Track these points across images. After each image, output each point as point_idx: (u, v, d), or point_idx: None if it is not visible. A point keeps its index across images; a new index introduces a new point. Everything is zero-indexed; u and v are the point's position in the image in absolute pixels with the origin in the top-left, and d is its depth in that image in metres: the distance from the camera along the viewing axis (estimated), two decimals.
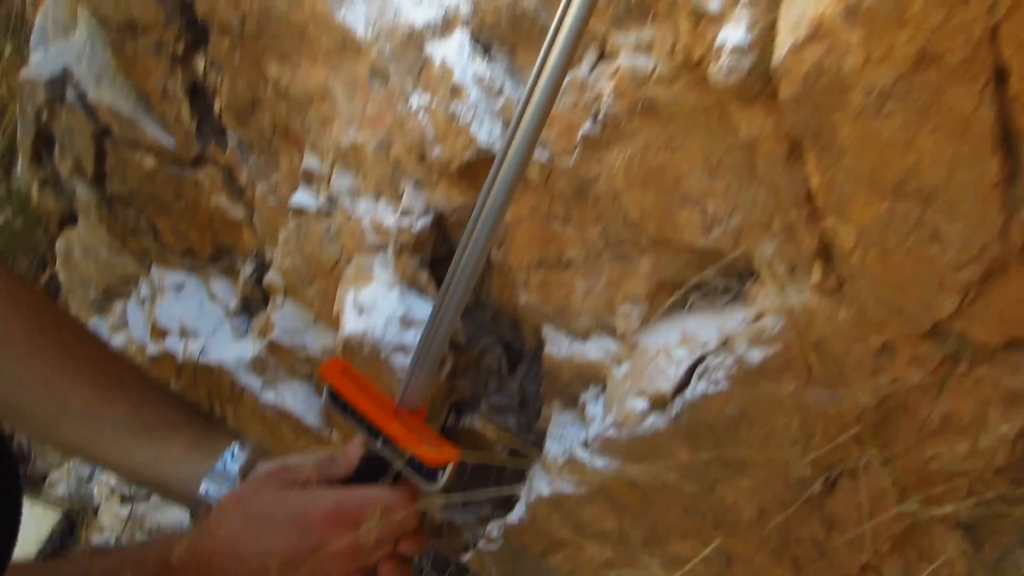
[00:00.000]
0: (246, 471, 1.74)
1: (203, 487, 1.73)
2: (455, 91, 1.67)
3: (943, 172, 1.23)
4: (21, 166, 2.80)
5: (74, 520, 3.02)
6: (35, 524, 2.95)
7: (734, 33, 1.35)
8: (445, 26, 1.69)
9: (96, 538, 2.94)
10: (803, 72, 1.24)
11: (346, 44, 1.81)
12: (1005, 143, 1.20)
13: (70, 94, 2.48)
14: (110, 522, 2.92)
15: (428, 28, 1.70)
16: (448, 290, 1.50)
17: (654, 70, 1.51)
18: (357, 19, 1.78)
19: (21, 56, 3.97)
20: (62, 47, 2.59)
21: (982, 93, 1.17)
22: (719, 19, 1.38)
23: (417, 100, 1.73)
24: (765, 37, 1.33)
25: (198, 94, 2.26)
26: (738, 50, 1.34)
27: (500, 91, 1.66)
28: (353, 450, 1.61)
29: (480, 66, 1.67)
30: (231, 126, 2.19)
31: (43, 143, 2.69)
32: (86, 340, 1.80)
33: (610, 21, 1.54)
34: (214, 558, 1.59)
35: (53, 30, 2.81)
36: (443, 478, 1.49)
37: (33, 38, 2.84)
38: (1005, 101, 1.17)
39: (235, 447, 1.77)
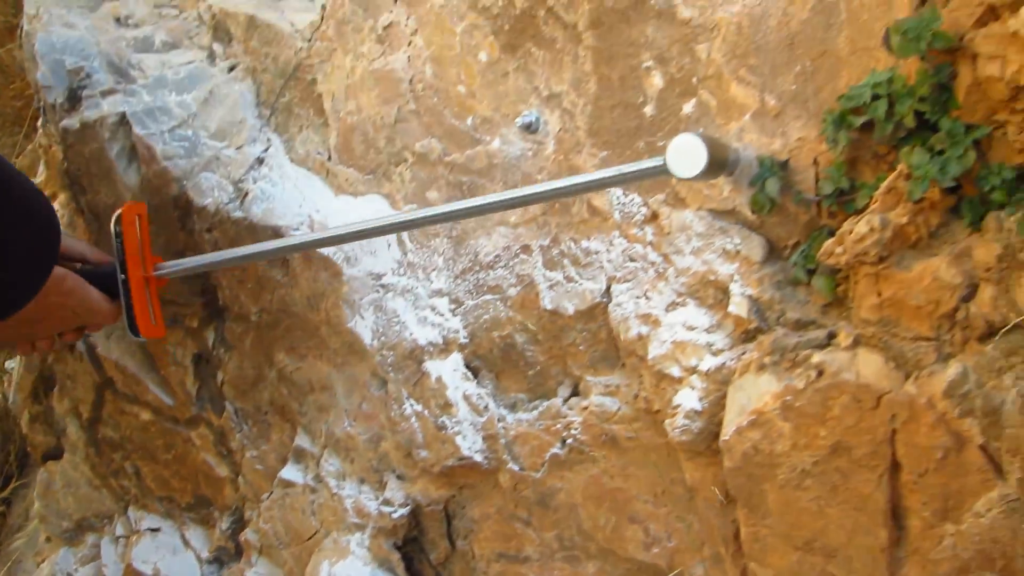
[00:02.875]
0: None
1: None
2: (446, 406, 1.96)
3: (845, 536, 1.53)
4: (15, 398, 3.02)
5: None
6: None
7: (689, 398, 1.67)
8: (444, 347, 2.00)
9: None
10: (743, 450, 1.55)
11: (352, 348, 2.11)
12: (894, 518, 1.50)
13: (79, 344, 2.73)
14: None
15: (429, 347, 2.00)
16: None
17: (618, 410, 1.82)
18: (366, 328, 2.08)
19: None
20: None
21: (880, 479, 1.49)
22: (678, 382, 1.70)
23: (411, 407, 2.02)
24: (715, 406, 1.65)
25: (202, 362, 2.52)
26: (691, 414, 1.65)
27: (485, 409, 1.95)
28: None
29: (470, 386, 1.97)
30: (230, 397, 2.45)
31: (43, 382, 2.92)
32: None
33: (586, 364, 1.86)
34: None
35: None
36: (141, 339, 1.88)
37: None
38: (897, 486, 1.49)
39: None
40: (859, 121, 1.45)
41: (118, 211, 1.84)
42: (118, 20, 2.46)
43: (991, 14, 1.26)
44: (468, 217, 1.81)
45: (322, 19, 2.09)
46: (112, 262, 1.86)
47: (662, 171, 1.47)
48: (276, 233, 2.12)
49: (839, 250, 1.47)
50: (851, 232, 1.45)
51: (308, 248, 1.88)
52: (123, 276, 1.82)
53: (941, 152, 1.36)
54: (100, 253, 1.95)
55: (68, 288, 1.73)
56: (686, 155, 1.44)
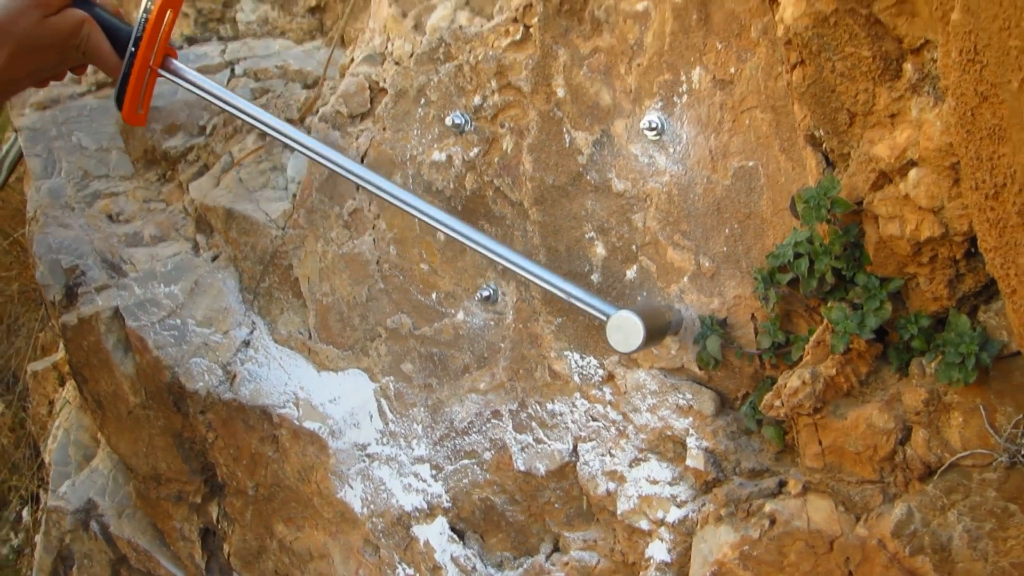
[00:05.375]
0: None
1: None
2: (436, 568, 1.99)
3: None
4: None
5: None
6: None
7: (659, 551, 1.69)
8: (429, 512, 2.03)
9: None
10: None
11: (344, 517, 2.14)
12: None
13: (93, 524, 2.78)
14: None
15: (415, 512, 2.03)
16: None
17: (597, 564, 1.84)
18: (355, 498, 2.11)
19: (19, 421, 4.29)
20: (87, 479, 2.91)
21: None
22: (647, 535, 1.72)
23: (403, 571, 2.05)
24: (683, 557, 1.67)
25: (209, 535, 2.56)
26: (662, 566, 1.67)
27: (473, 570, 1.98)
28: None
29: (457, 548, 1.99)
30: (238, 568, 2.48)
31: (61, 561, 2.96)
32: None
33: (562, 520, 1.88)
34: None
35: (75, 452, 3.15)
36: (120, 115, 1.84)
37: (55, 455, 3.18)
38: None
39: None
40: (786, 278, 1.50)
41: None
42: (110, 217, 2.56)
43: (884, 178, 1.32)
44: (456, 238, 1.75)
45: (293, 208, 2.18)
46: (132, 28, 1.87)
47: (603, 324, 1.53)
48: (264, 412, 2.17)
49: (777, 403, 1.51)
50: (785, 386, 1.49)
51: (302, 150, 1.83)
52: (133, 50, 1.83)
53: (860, 306, 1.41)
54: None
55: (85, 33, 1.77)
56: (625, 332, 1.50)
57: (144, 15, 1.80)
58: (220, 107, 1.83)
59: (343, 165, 1.74)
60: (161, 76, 1.85)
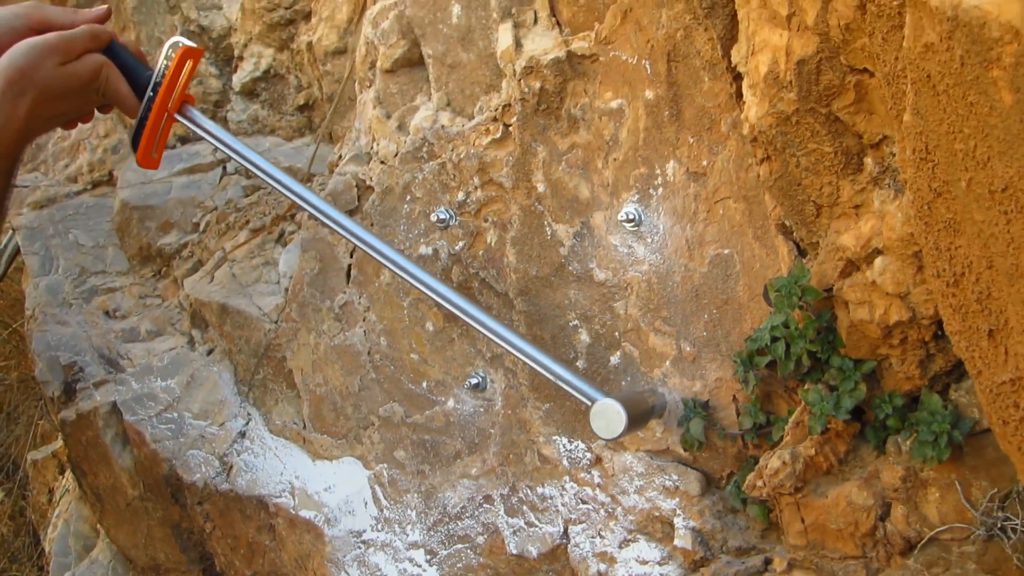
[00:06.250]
0: None
1: None
2: None
3: None
4: None
5: None
6: None
7: None
8: None
9: None
10: None
11: None
12: None
13: None
14: None
15: None
16: None
17: None
18: None
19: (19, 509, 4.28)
20: (87, 570, 2.91)
21: None
22: None
23: None
24: None
25: None
26: None
27: None
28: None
29: None
30: None
31: None
32: None
33: None
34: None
35: (75, 542, 3.15)
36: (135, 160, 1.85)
37: (55, 546, 3.18)
38: None
39: None
40: (764, 361, 1.54)
41: (179, 42, 1.86)
42: (107, 313, 2.60)
43: (852, 266, 1.37)
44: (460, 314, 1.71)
45: (286, 302, 2.22)
46: (152, 72, 1.87)
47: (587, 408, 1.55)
48: (261, 502, 2.19)
49: (760, 483, 1.53)
50: (767, 466, 1.52)
51: (315, 215, 1.82)
52: (151, 94, 1.83)
53: (836, 387, 1.44)
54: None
55: (103, 76, 1.77)
56: (607, 419, 1.52)
57: (165, 62, 1.83)
58: (231, 157, 1.86)
59: (346, 226, 1.76)
60: (177, 120, 1.88)
